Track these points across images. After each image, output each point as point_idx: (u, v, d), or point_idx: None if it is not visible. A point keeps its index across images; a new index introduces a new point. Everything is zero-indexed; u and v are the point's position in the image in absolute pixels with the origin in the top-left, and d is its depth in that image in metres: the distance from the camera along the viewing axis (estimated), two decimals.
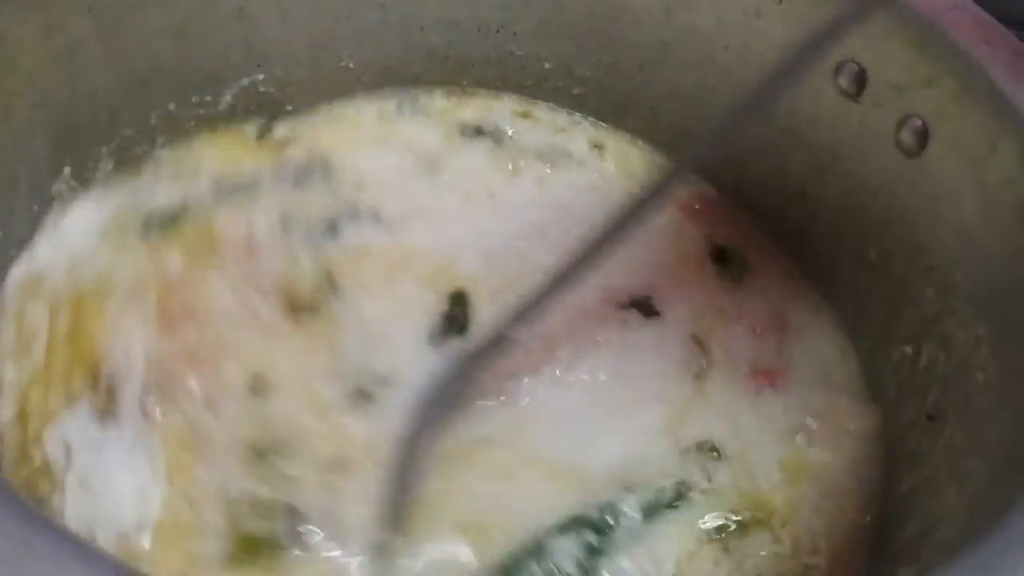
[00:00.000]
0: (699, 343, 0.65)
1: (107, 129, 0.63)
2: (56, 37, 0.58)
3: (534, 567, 0.51)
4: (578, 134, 0.78)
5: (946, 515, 0.52)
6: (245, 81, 0.70)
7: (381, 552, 0.50)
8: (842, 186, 0.67)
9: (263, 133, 0.72)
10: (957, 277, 0.58)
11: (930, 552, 0.51)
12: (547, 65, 0.77)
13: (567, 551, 0.52)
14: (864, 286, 0.66)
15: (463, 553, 0.51)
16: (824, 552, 0.56)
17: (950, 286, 0.58)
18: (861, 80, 0.63)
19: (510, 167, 0.74)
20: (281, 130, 0.73)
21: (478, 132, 0.76)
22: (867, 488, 0.60)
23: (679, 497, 0.56)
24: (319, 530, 0.51)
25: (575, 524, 0.53)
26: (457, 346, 0.60)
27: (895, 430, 0.61)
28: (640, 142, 0.78)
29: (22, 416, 0.52)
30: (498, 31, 0.76)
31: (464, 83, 0.77)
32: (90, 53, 0.60)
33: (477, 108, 0.77)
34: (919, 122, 0.60)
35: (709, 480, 0.57)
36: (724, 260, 0.71)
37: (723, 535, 0.55)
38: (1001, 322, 0.53)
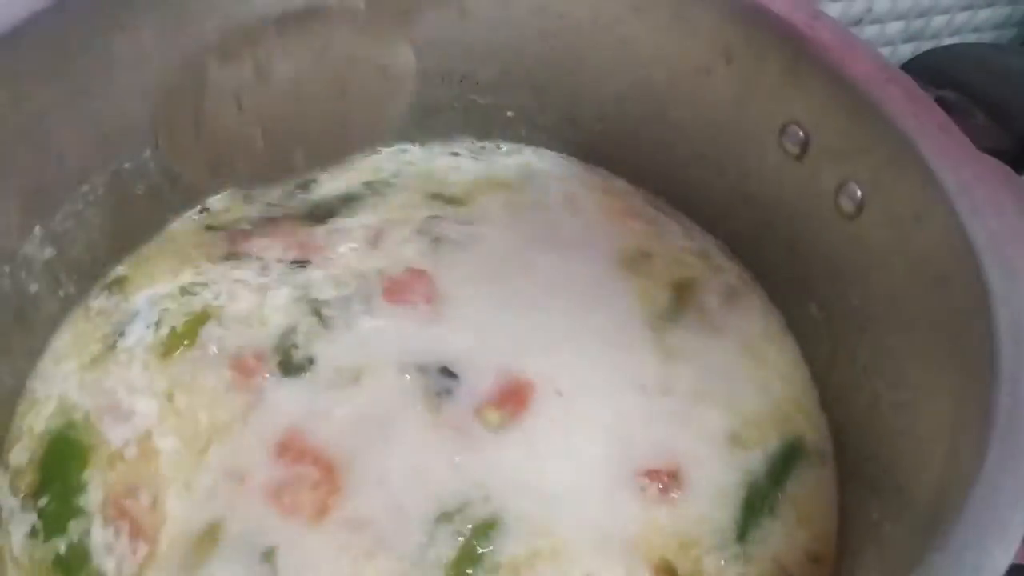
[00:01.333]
0: None
1: (75, 187, 0.66)
2: (25, 106, 0.60)
3: None
4: None
5: (868, 573, 0.54)
6: None
7: None
8: (787, 242, 0.69)
9: None
10: (886, 341, 0.60)
11: None
12: (509, 113, 0.80)
13: None
14: (807, 341, 0.69)
15: None
16: None
17: (880, 349, 0.60)
18: (804, 143, 0.65)
19: None
20: None
21: None
22: None
23: None
24: None
25: None
26: None
27: None
28: None
29: None
30: (461, 80, 0.78)
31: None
32: (59, 118, 0.63)
33: None
34: (855, 187, 0.62)
35: None
36: None
37: None
38: (924, 388, 0.56)
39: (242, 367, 0.65)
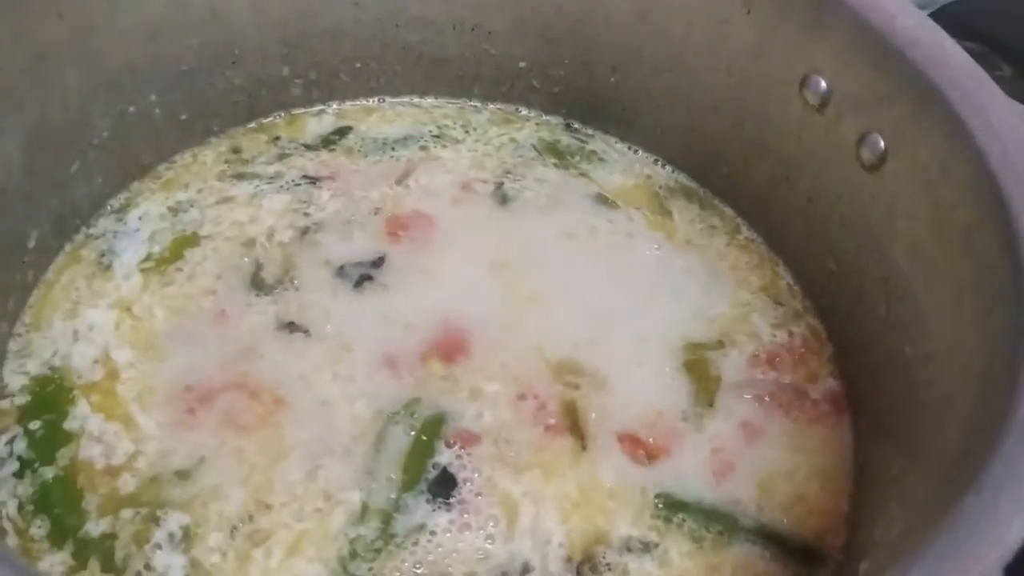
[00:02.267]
0: None
1: (80, 129, 0.64)
2: (26, 42, 0.58)
3: None
4: None
5: (888, 527, 0.53)
6: (219, 80, 0.71)
7: None
8: (807, 194, 0.68)
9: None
10: (909, 293, 0.59)
11: (878, 552, 0.53)
12: (521, 64, 0.78)
13: None
14: (824, 296, 0.68)
15: None
16: None
17: (903, 301, 0.59)
18: (825, 94, 0.64)
19: None
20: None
21: None
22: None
23: None
24: None
25: None
26: None
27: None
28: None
29: None
30: (473, 29, 0.76)
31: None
32: (61, 56, 0.61)
33: None
34: (878, 138, 0.61)
35: None
36: None
37: None
38: (950, 340, 0.54)
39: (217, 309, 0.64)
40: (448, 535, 0.55)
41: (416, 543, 0.55)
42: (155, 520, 0.54)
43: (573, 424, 0.60)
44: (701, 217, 0.74)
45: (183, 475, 0.56)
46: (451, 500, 0.56)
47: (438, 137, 0.77)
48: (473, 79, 0.79)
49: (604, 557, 0.56)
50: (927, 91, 0.57)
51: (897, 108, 0.59)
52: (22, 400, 0.59)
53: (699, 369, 0.65)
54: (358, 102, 0.79)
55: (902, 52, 0.58)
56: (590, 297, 0.67)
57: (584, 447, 0.60)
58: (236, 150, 0.74)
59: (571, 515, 0.57)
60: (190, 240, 0.67)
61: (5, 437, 0.57)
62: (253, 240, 0.68)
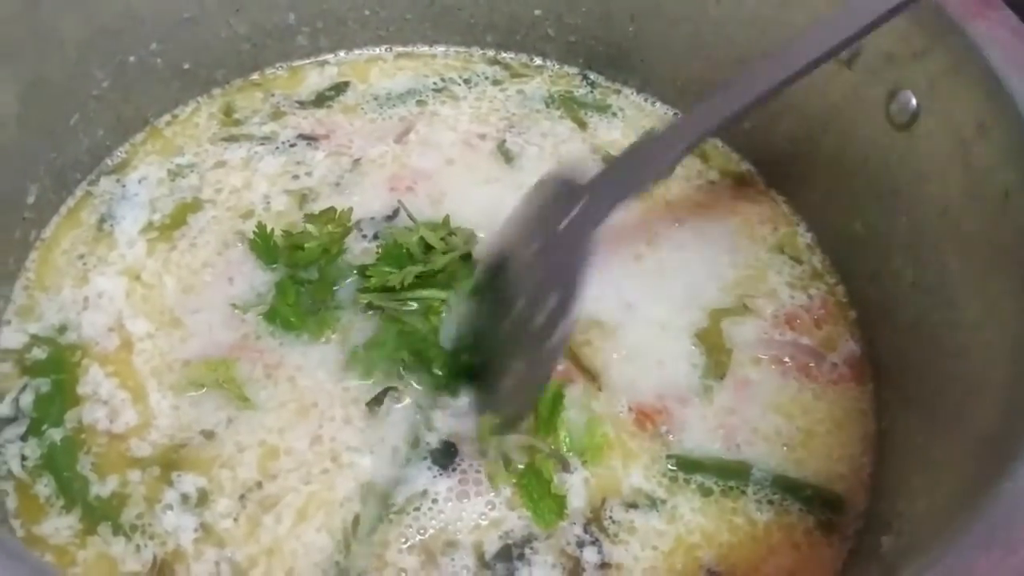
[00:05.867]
0: None
1: (78, 80, 0.62)
2: None
3: None
4: None
5: (913, 500, 0.52)
6: (223, 28, 0.68)
7: None
8: (832, 153, 0.66)
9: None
10: (938, 258, 0.57)
11: (902, 526, 0.52)
12: (537, 12, 0.75)
13: None
14: (848, 258, 0.66)
15: None
16: None
17: (931, 266, 0.57)
18: (855, 48, 0.61)
19: None
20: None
21: None
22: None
23: None
24: None
25: None
26: None
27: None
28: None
29: None
30: None
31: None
32: (57, 3, 0.58)
33: None
34: (910, 95, 0.58)
35: None
36: None
37: None
38: (980, 308, 0.53)
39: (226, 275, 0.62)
40: (450, 503, 0.54)
41: (418, 509, 0.54)
42: (168, 482, 0.53)
43: (583, 368, 0.60)
44: (702, 173, 0.72)
45: (198, 440, 0.55)
46: (453, 469, 0.55)
47: (439, 91, 0.74)
48: (485, 27, 0.76)
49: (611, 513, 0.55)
50: (964, 46, 0.54)
51: (932, 64, 0.56)
52: (26, 359, 0.58)
53: (712, 336, 0.63)
54: (364, 50, 0.76)
55: (938, 5, 0.56)
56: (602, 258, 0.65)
57: (599, 388, 0.59)
58: (228, 111, 0.71)
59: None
60: (192, 206, 0.65)
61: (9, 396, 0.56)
62: (252, 209, 0.66)
